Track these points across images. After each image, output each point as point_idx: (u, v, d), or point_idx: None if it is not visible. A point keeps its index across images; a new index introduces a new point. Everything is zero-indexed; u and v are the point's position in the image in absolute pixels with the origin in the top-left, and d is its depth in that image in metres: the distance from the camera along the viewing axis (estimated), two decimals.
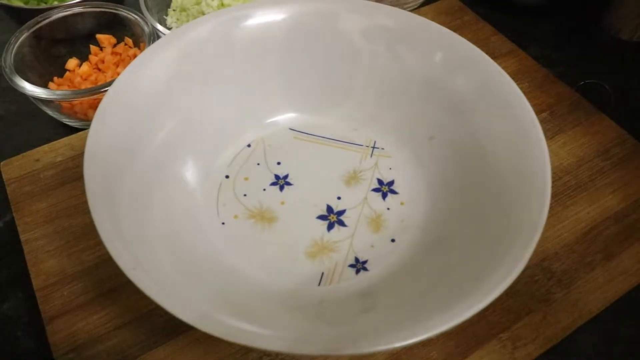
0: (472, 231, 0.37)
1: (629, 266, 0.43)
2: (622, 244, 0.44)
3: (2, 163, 0.48)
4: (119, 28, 0.56)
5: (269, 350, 0.29)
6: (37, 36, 0.54)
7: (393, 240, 0.42)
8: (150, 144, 0.41)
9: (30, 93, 0.47)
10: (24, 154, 0.49)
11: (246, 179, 0.46)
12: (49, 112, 0.51)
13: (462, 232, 0.39)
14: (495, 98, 0.41)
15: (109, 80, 0.52)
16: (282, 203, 0.44)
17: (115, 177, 0.37)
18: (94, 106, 0.49)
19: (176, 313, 0.30)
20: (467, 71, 0.43)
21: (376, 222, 0.43)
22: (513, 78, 0.55)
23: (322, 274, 0.40)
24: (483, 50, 0.43)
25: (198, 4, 0.59)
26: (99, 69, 0.56)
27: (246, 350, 0.38)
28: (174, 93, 0.43)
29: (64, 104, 0.49)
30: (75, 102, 0.49)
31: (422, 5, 0.65)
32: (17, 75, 0.48)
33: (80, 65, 0.56)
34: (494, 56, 0.57)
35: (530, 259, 0.42)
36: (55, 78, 0.54)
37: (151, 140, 0.41)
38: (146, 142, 0.41)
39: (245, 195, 0.44)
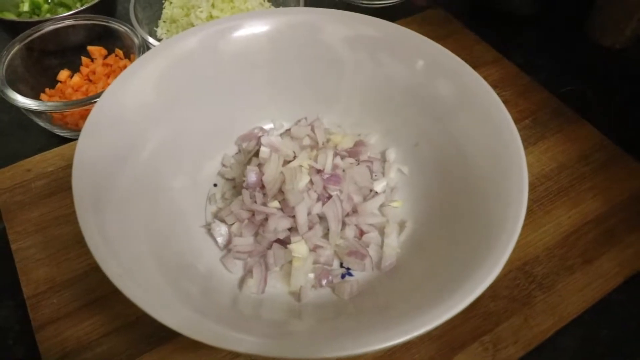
0: (452, 236, 0.38)
1: (608, 269, 0.44)
2: (601, 248, 0.45)
3: None
4: (110, 40, 0.57)
5: (255, 354, 0.30)
6: (29, 48, 0.55)
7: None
8: (139, 153, 0.42)
9: (21, 105, 0.48)
10: (16, 164, 0.50)
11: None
12: (41, 123, 0.52)
13: (442, 237, 0.40)
14: (475, 106, 0.42)
15: (99, 91, 0.53)
16: None
17: (104, 186, 0.37)
18: (85, 117, 0.50)
19: (162, 319, 0.30)
20: (447, 79, 0.44)
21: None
22: (496, 85, 0.57)
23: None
24: (467, 58, 0.44)
25: (187, 15, 0.60)
26: (90, 80, 0.56)
27: (233, 355, 0.39)
28: (163, 103, 0.44)
29: (55, 115, 0.50)
30: (67, 113, 0.50)
31: (408, 14, 0.66)
32: (9, 88, 0.49)
33: (71, 77, 0.57)
34: (477, 64, 0.59)
35: (512, 263, 0.44)
36: (46, 89, 0.55)
37: (140, 150, 0.42)
38: (135, 152, 0.41)
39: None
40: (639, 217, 0.47)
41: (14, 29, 0.57)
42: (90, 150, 0.38)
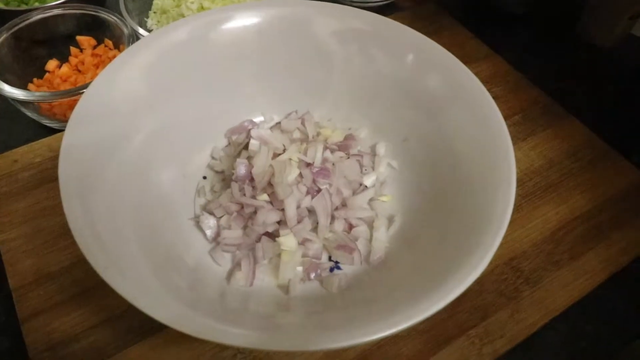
0: (440, 231, 0.39)
1: (595, 265, 0.44)
2: (588, 244, 0.45)
3: None
4: (100, 30, 0.57)
5: (242, 347, 0.30)
6: (16, 37, 0.54)
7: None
8: (127, 145, 0.41)
9: (8, 94, 0.47)
10: (3, 154, 0.49)
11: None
12: (28, 113, 0.51)
13: (430, 231, 0.40)
14: (465, 101, 0.42)
15: (88, 81, 0.52)
16: None
17: (91, 177, 0.37)
18: (73, 107, 0.50)
19: (149, 312, 0.30)
20: (437, 74, 0.44)
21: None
22: (487, 81, 0.57)
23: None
24: (459, 54, 0.44)
25: (178, 6, 0.59)
26: (79, 71, 0.56)
27: (221, 348, 0.39)
28: (152, 95, 0.44)
29: (43, 105, 0.50)
30: (54, 103, 0.49)
31: (401, 9, 0.66)
32: None
33: (60, 67, 0.56)
34: (469, 60, 0.59)
35: (500, 258, 0.44)
36: (34, 79, 0.54)
37: (128, 141, 0.42)
38: (123, 144, 0.41)
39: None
40: (625, 214, 0.48)
41: (1, 17, 0.56)
42: (78, 140, 0.38)
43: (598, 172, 0.50)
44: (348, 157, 0.47)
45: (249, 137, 0.46)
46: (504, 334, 0.40)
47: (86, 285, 0.41)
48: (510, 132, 0.39)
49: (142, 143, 0.42)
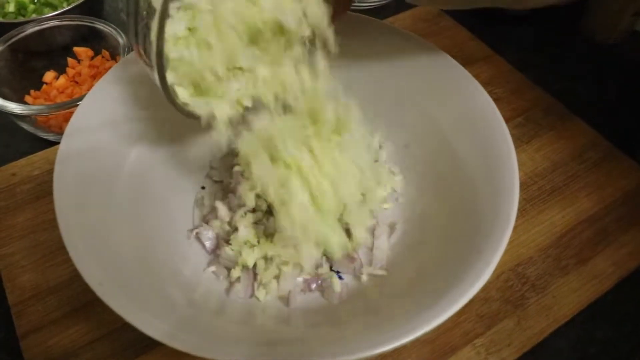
0: (443, 238, 0.38)
1: (603, 269, 0.43)
2: (596, 248, 0.44)
3: None
4: (96, 40, 0.56)
5: None
6: (13, 50, 0.54)
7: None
8: (123, 156, 0.41)
9: (2, 108, 0.47)
10: (0, 168, 0.49)
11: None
12: (24, 126, 0.51)
13: (432, 239, 0.39)
14: (465, 105, 0.41)
15: (84, 93, 0.52)
16: None
17: (87, 191, 0.37)
18: (69, 120, 0.49)
19: (144, 329, 0.30)
20: (436, 77, 0.43)
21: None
22: (489, 83, 0.56)
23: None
24: (459, 55, 0.43)
25: None
26: (76, 82, 0.55)
27: None
28: (147, 104, 0.43)
29: (39, 118, 0.49)
30: (50, 116, 0.49)
31: (401, 11, 0.66)
32: None
33: (57, 78, 0.55)
34: (470, 61, 0.58)
35: (505, 264, 0.43)
36: (31, 91, 0.54)
37: (125, 152, 0.41)
38: (119, 155, 0.41)
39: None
40: (633, 216, 0.46)
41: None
42: (73, 153, 0.37)
43: (604, 173, 0.49)
44: None
45: None
46: (511, 342, 0.39)
47: (85, 300, 0.41)
48: (514, 135, 0.38)
49: (138, 154, 0.42)
